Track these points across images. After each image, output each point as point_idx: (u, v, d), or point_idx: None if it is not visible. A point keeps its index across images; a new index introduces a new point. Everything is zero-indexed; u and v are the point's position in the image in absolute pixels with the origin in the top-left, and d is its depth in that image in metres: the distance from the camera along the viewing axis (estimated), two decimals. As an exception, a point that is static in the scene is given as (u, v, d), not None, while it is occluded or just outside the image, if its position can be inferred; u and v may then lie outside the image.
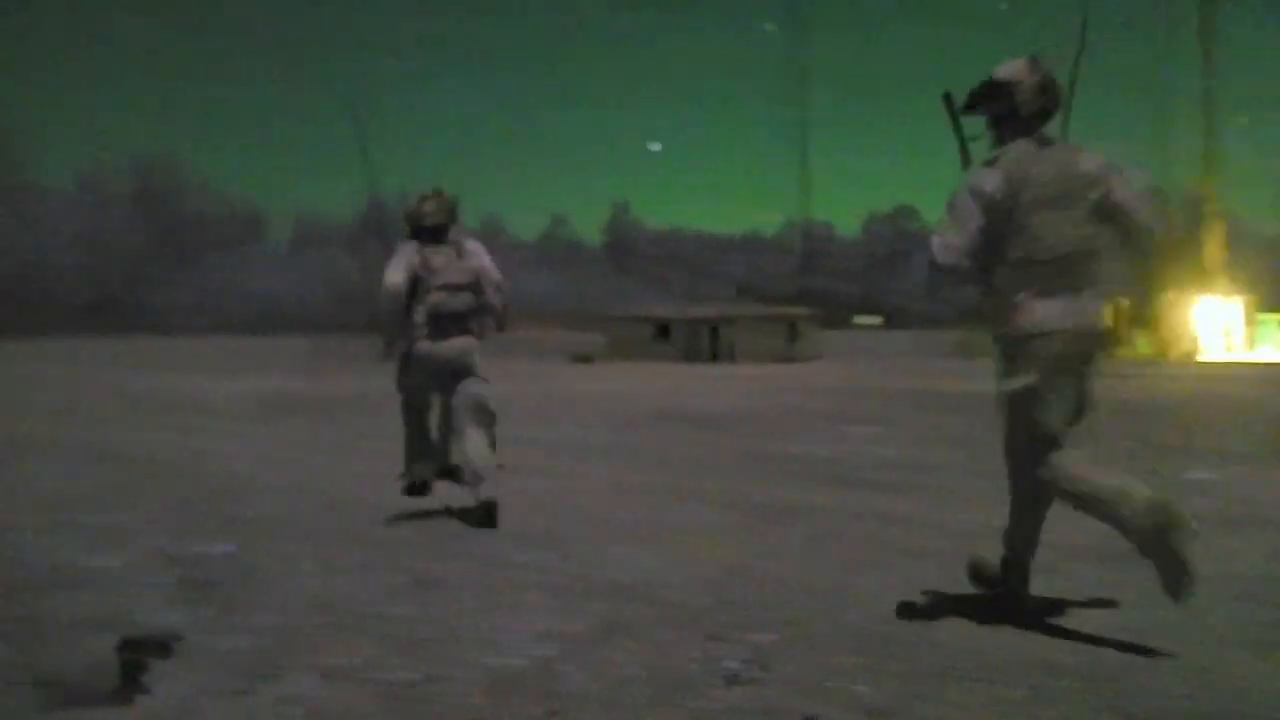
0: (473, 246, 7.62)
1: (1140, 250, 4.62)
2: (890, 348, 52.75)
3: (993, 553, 4.89)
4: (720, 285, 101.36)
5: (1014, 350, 4.53)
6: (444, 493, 7.68)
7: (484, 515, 7.12)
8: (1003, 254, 4.53)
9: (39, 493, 8.71)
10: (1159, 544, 4.15)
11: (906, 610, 4.90)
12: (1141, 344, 42.43)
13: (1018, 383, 4.51)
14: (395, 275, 7.35)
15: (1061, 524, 4.84)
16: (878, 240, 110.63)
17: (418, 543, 6.61)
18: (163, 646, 4.37)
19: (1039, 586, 4.89)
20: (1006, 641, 4.39)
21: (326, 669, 4.10)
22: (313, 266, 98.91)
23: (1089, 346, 4.52)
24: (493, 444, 7.45)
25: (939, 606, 4.94)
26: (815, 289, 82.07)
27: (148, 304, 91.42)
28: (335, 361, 38.92)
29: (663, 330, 48.66)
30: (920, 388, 24.38)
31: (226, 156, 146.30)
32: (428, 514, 7.55)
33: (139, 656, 4.24)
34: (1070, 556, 5.69)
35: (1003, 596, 4.85)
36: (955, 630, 4.59)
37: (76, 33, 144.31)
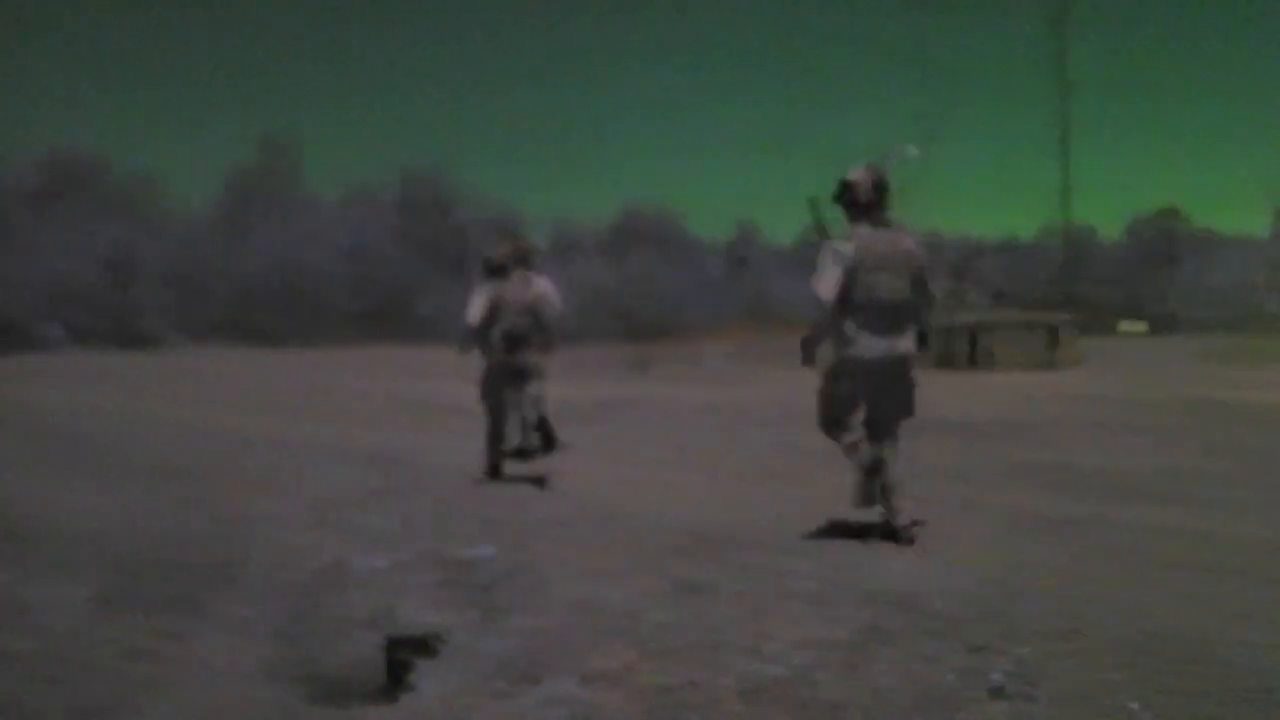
0: (537, 280, 9.97)
1: (928, 302, 6.97)
2: (1156, 354, 50.25)
3: None
4: (978, 290, 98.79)
5: (839, 365, 6.76)
6: (697, 494, 7.68)
7: (537, 480, 9.42)
8: (848, 299, 6.55)
9: (310, 494, 9.12)
10: (872, 479, 6.66)
11: (1177, 625, 4.69)
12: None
13: (843, 388, 6.77)
14: (474, 309, 9.78)
15: None
16: (1142, 243, 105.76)
17: (679, 548, 6.63)
18: (427, 646, 4.49)
19: None
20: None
21: (586, 672, 4.13)
22: (569, 274, 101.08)
23: (899, 366, 6.80)
24: (548, 426, 9.90)
25: (1211, 622, 4.67)
26: (1076, 294, 78.97)
27: (413, 313, 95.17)
28: (592, 369, 39.69)
29: (920, 337, 47.76)
30: (1190, 395, 23.12)
31: (487, 166, 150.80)
32: (687, 521, 7.57)
33: (404, 655, 4.36)
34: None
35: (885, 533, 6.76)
36: (1231, 647, 4.32)
37: (344, 48, 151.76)
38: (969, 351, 44.64)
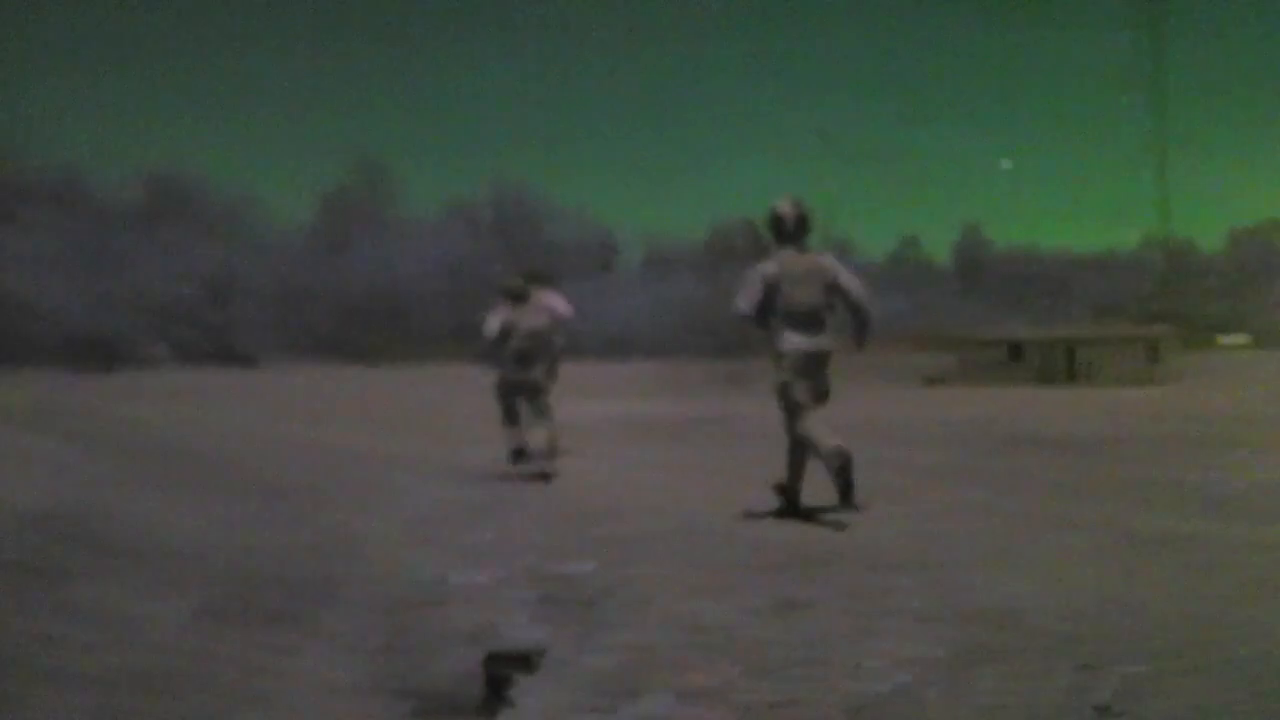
0: (546, 298, 11.86)
1: (854, 310, 8.46)
2: (1258, 368, 48.96)
3: None
4: (1076, 305, 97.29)
5: (779, 361, 8.36)
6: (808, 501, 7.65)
7: (543, 479, 10.85)
8: (774, 309, 8.25)
9: (410, 510, 9.26)
10: (839, 471, 7.99)
11: None
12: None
13: (781, 378, 8.36)
14: (490, 329, 11.53)
15: None
16: (1243, 255, 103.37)
17: (779, 565, 6.63)
18: (527, 661, 4.54)
19: None
20: None
21: (686, 689, 4.16)
22: (662, 291, 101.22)
23: (821, 360, 8.39)
24: (554, 435, 11.38)
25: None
26: (1176, 308, 77.46)
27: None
28: (687, 386, 39.63)
29: (1016, 352, 47.05)
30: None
31: (581, 183, 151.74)
32: (787, 537, 7.56)
33: (504, 671, 4.41)
34: None
35: (785, 510, 8.46)
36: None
37: (439, 67, 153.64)
38: (1067, 366, 43.99)
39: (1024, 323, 71.15)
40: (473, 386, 14.76)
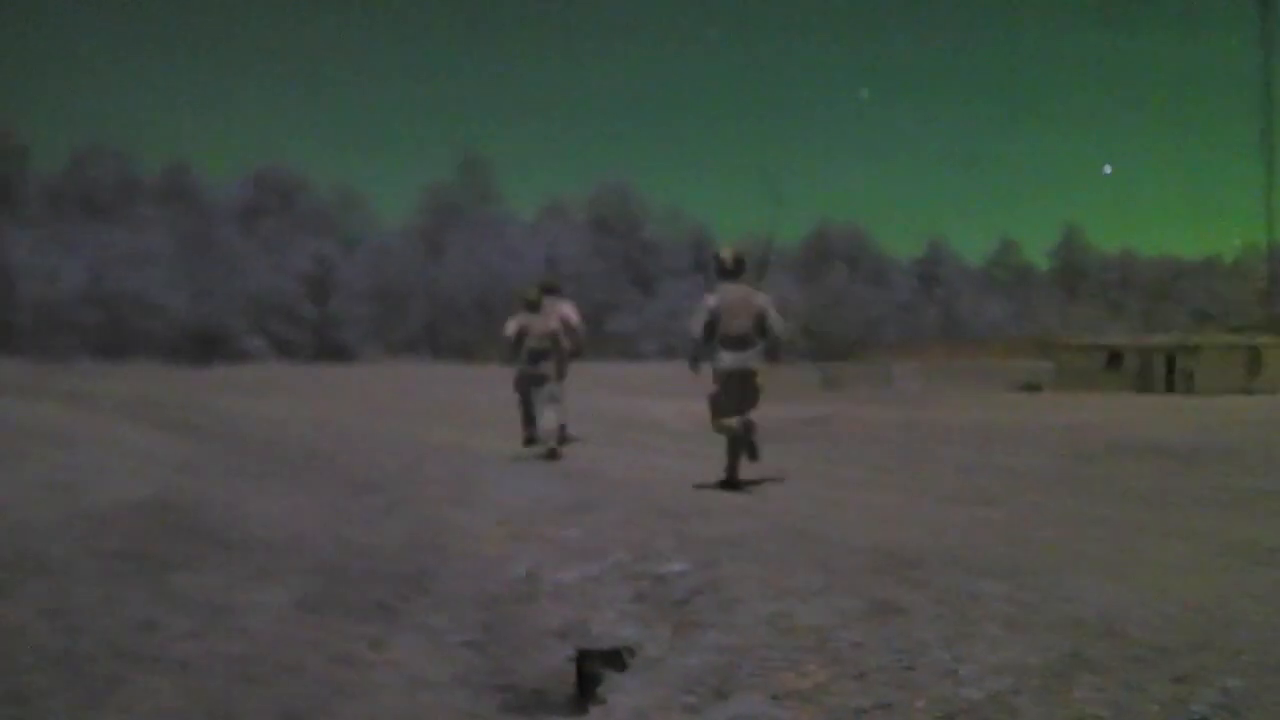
0: (557, 308, 14.47)
1: (771, 336, 10.27)
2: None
3: None
4: (1177, 311, 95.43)
5: (714, 375, 10.22)
6: (890, 514, 7.58)
7: (550, 456, 13.01)
8: (714, 332, 10.09)
9: (504, 506, 9.31)
10: (744, 437, 10.21)
11: None
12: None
13: (713, 388, 10.32)
14: (508, 331, 13.93)
15: None
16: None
17: (873, 568, 6.56)
18: (618, 659, 4.54)
19: None
20: None
21: (777, 690, 4.14)
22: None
23: (745, 375, 10.19)
24: (561, 420, 13.98)
25: None
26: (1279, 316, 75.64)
27: (604, 330, 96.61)
28: (783, 387, 39.51)
29: (1115, 358, 46.21)
30: None
31: (677, 184, 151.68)
32: (882, 540, 7.49)
33: (595, 668, 4.43)
34: None
35: (726, 485, 10.33)
36: None
37: (538, 64, 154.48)
38: (1166, 374, 43.12)
39: (1123, 329, 69.89)
40: (572, 386, 14.83)
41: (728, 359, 10.23)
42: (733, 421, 10.22)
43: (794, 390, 36.81)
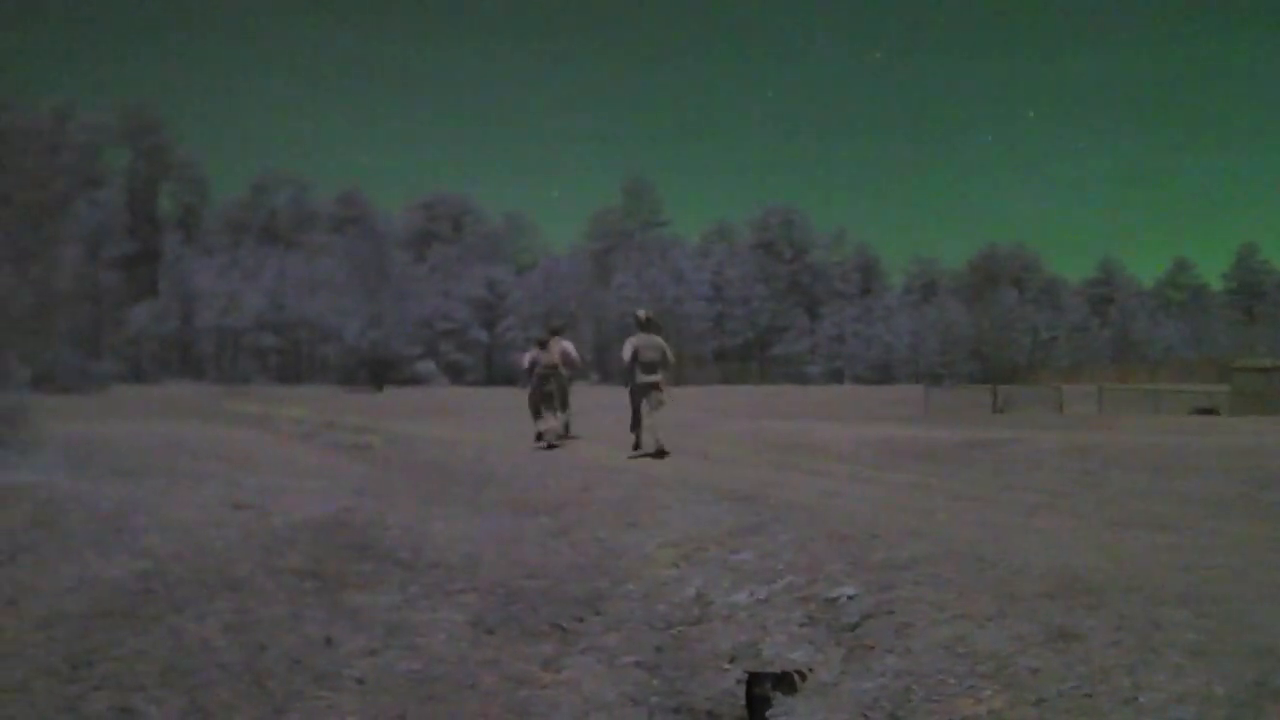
0: (560, 345, 18.14)
1: (667, 363, 15.84)
2: None
3: None
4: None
5: (631, 385, 15.75)
6: (1065, 538, 7.39)
7: (550, 448, 17.09)
8: (634, 359, 15.49)
9: (675, 529, 9.34)
10: (651, 434, 15.56)
11: None
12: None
13: (634, 400, 15.79)
14: (523, 361, 18.54)
15: None
16: None
17: (1049, 593, 6.43)
18: (789, 682, 4.54)
19: None
20: None
21: (954, 716, 4.08)
22: (925, 315, 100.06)
23: (651, 385, 15.51)
24: (568, 420, 18.60)
25: None
26: None
27: (770, 353, 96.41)
28: (951, 409, 38.87)
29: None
30: None
31: (843, 207, 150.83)
32: (1057, 565, 7.33)
33: (766, 691, 4.43)
34: None
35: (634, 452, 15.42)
36: None
37: (702, 92, 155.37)
38: None
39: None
40: (739, 409, 14.91)
41: (642, 377, 15.51)
42: (647, 420, 15.66)
43: (964, 413, 36.25)
